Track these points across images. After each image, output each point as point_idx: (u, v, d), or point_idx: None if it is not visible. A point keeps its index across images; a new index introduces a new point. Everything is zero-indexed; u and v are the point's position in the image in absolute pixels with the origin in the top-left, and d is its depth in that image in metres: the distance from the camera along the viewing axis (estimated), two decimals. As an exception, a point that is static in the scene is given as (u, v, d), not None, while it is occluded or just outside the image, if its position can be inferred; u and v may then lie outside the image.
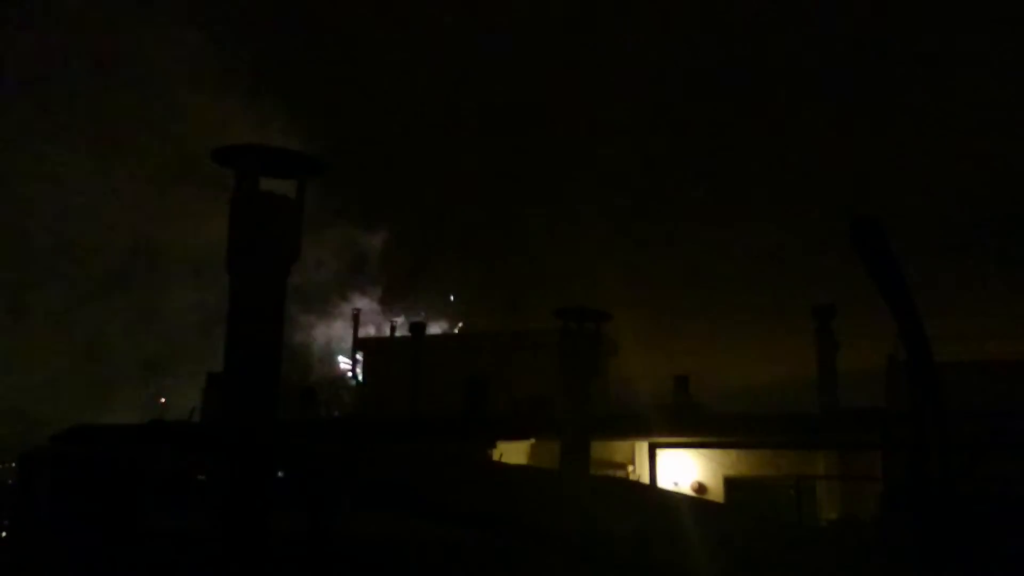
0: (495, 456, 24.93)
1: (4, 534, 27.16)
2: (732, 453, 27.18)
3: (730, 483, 27.52)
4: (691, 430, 26.88)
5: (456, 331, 52.82)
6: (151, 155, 59.25)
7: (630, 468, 28.34)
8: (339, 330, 58.50)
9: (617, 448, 28.15)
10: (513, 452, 26.18)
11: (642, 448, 27.54)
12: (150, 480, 24.64)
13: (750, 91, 57.56)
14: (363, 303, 58.78)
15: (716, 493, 27.30)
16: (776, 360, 39.59)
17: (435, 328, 48.29)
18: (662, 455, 27.02)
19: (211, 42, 58.96)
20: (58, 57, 59.80)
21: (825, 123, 56.44)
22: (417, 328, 37.37)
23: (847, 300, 30.63)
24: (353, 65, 62.67)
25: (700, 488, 27.58)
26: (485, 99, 60.72)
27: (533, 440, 27.61)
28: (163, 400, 44.13)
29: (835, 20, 57.25)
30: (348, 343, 56.22)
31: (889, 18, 55.67)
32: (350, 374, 47.31)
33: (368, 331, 50.50)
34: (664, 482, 26.60)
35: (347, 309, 58.60)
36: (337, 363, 53.89)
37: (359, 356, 43.68)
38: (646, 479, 26.54)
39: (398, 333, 46.74)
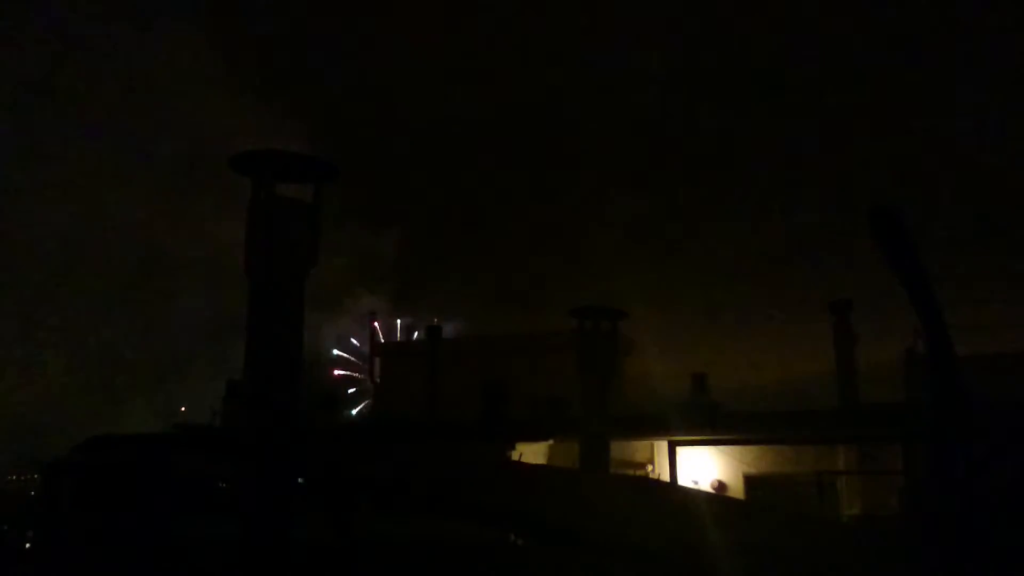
0: (514, 457, 24.90)
1: (28, 545, 27.24)
2: (752, 450, 27.07)
3: (750, 480, 27.38)
4: (710, 428, 26.87)
5: (469, 332, 52.90)
6: (160, 162, 59.48)
7: (650, 467, 28.25)
8: (348, 329, 58.61)
9: (636, 447, 28.07)
10: (532, 453, 26.15)
11: (661, 447, 27.50)
12: (172, 488, 24.71)
13: (765, 89, 57.43)
14: (372, 301, 58.90)
15: (736, 491, 27.17)
16: (794, 356, 39.42)
17: (447, 329, 48.30)
18: (681, 454, 26.98)
19: (220, 49, 59.17)
20: (68, 65, 60.10)
21: (842, 119, 56.27)
22: (434, 331, 37.43)
23: (864, 296, 30.56)
24: (363, 67, 62.85)
25: (720, 486, 27.47)
26: (498, 99, 60.77)
27: (551, 441, 27.59)
28: (183, 408, 44.27)
29: (849, 19, 57.07)
30: (358, 342, 56.42)
31: (902, 16, 55.44)
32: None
33: (378, 331, 50.46)
34: (684, 481, 26.52)
35: (356, 307, 58.78)
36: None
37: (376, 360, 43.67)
38: (666, 478, 26.52)
39: (406, 332, 46.80)
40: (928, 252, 12.04)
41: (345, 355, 58.05)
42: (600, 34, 61.80)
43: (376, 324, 46.69)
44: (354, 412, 51.70)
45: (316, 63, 62.90)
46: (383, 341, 47.18)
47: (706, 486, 27.11)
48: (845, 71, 56.29)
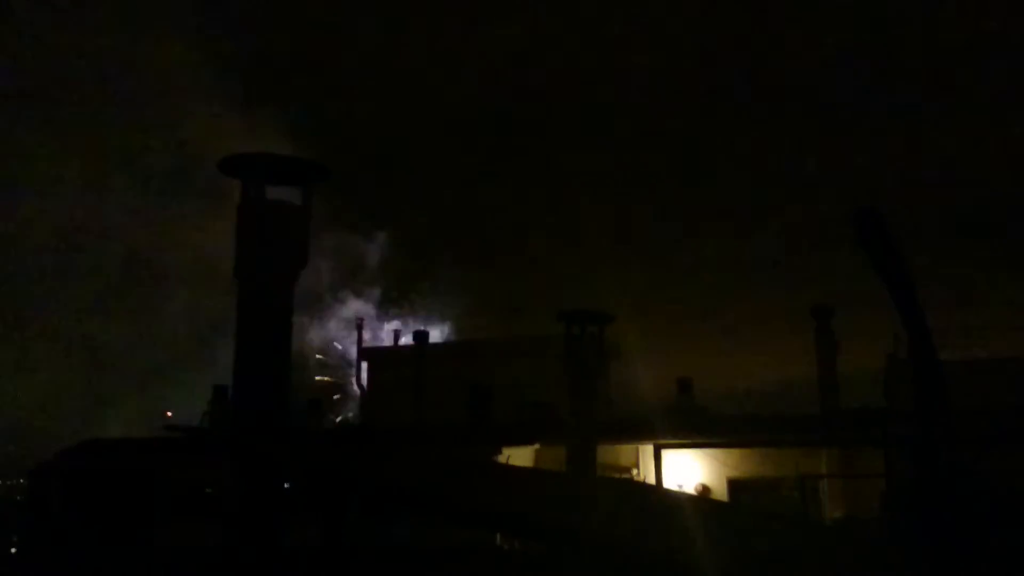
0: (502, 461, 24.96)
1: (14, 550, 27.16)
2: (735, 454, 27.21)
3: (734, 484, 27.54)
4: (695, 432, 27.02)
5: (455, 337, 52.88)
6: (147, 165, 59.39)
7: (635, 471, 28.37)
8: (334, 332, 58.44)
9: (622, 451, 28.18)
10: (518, 458, 26.22)
11: (646, 451, 27.61)
12: (160, 493, 24.70)
13: (748, 96, 57.80)
14: (358, 305, 58.82)
15: (720, 494, 27.29)
16: (777, 361, 39.70)
17: (433, 332, 48.22)
18: (666, 457, 27.11)
19: (206, 52, 59.17)
20: (55, 69, 59.97)
21: (823, 126, 56.68)
22: (420, 336, 37.45)
23: (846, 301, 30.86)
24: (351, 72, 62.94)
25: (704, 490, 27.60)
26: (485, 105, 60.94)
27: (538, 445, 27.69)
28: (169, 413, 44.18)
29: (833, 25, 57.49)
30: (343, 346, 56.30)
31: (886, 22, 55.87)
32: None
33: (364, 336, 50.37)
34: (669, 484, 26.64)
35: (341, 311, 58.68)
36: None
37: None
38: (651, 482, 26.62)
39: (393, 337, 46.74)
40: (913, 255, 12.20)
41: (330, 360, 57.93)
42: (591, 39, 62.07)
43: (362, 329, 46.58)
44: (339, 417, 51.62)
45: (303, 68, 62.91)
46: (369, 346, 47.08)
47: (690, 489, 27.25)
48: (834, 77, 56.73)
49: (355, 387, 46.58)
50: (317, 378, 56.55)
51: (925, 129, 52.77)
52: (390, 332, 53.04)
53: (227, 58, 59.93)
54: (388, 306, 59.97)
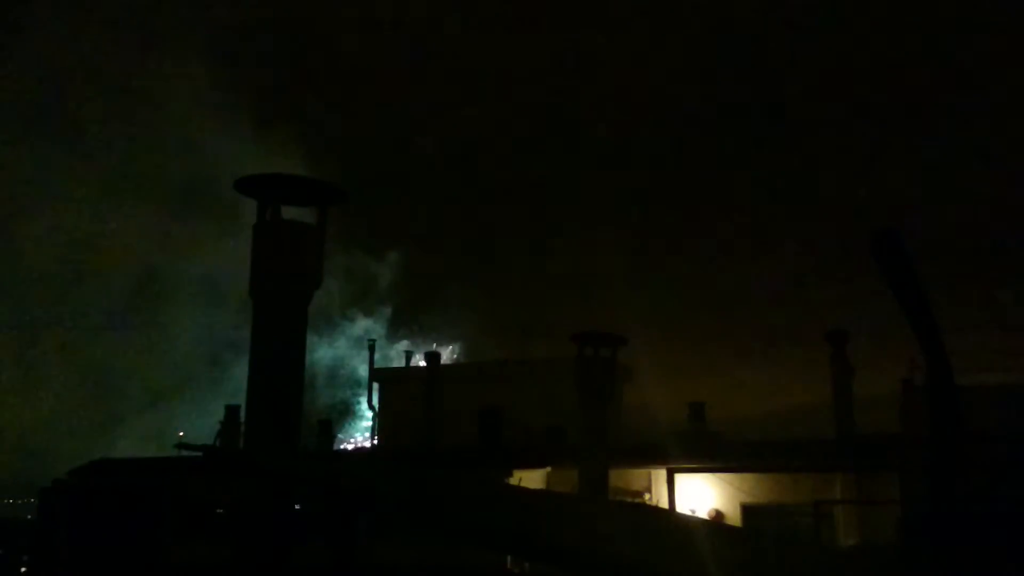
0: (514, 483, 24.84)
1: (24, 570, 27.12)
2: (749, 479, 27.08)
3: (747, 510, 27.37)
4: (708, 457, 26.89)
5: (466, 358, 52.82)
6: (159, 186, 59.60)
7: (647, 496, 28.24)
8: (344, 351, 58.46)
9: (634, 475, 28.07)
10: (530, 481, 26.09)
11: (659, 475, 27.50)
12: (170, 512, 24.66)
13: (764, 116, 57.77)
14: (368, 325, 58.90)
15: (733, 520, 27.13)
16: (791, 386, 39.48)
17: (444, 353, 48.14)
18: (679, 482, 26.99)
19: (219, 73, 59.46)
20: (67, 88, 60.32)
21: (840, 148, 56.56)
22: (432, 358, 37.40)
23: (861, 326, 30.70)
24: (361, 92, 63.16)
25: (717, 515, 27.43)
26: (498, 125, 61.07)
27: (550, 468, 27.57)
28: (181, 432, 44.23)
29: (849, 43, 57.42)
30: (352, 364, 56.33)
31: (904, 39, 55.73)
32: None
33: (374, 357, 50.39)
34: (682, 509, 26.48)
35: (351, 330, 58.76)
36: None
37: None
38: (664, 506, 26.48)
39: (404, 358, 46.76)
40: (930, 281, 12.10)
41: (340, 380, 57.93)
42: (602, 61, 62.24)
43: (373, 350, 46.48)
44: (350, 437, 51.60)
45: (320, 89, 63.26)
46: (381, 367, 47.04)
47: (703, 515, 27.07)
48: (845, 102, 56.69)
49: (366, 408, 46.51)
50: (332, 397, 56.54)
51: (948, 149, 52.54)
52: (400, 352, 53.14)
53: (244, 78, 60.29)
54: (399, 326, 60.06)
